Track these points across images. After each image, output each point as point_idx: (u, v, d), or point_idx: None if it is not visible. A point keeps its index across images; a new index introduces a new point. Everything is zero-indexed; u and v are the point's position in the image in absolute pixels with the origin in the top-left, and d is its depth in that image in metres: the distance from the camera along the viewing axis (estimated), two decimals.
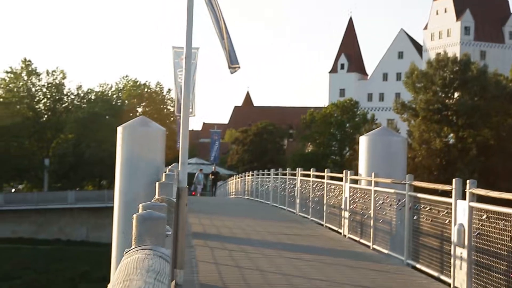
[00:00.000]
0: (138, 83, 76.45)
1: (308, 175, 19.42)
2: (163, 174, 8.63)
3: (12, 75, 72.94)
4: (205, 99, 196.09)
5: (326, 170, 17.59)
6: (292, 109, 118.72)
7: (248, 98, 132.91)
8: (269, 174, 28.36)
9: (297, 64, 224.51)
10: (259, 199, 30.34)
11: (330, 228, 15.94)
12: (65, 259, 48.69)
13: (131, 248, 2.36)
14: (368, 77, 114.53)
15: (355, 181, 14.69)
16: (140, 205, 2.90)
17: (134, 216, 2.49)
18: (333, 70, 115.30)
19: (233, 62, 12.71)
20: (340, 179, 15.63)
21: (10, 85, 72.90)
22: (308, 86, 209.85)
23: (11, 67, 73.43)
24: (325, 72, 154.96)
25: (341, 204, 15.01)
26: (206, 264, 10.09)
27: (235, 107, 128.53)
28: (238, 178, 45.07)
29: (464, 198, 8.54)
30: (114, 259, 12.20)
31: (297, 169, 21.48)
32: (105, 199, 55.89)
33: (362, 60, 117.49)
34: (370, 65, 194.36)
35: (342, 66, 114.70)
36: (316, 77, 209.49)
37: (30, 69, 73.32)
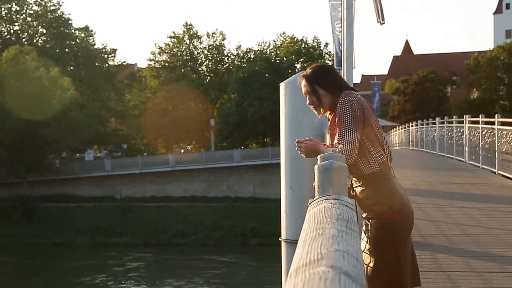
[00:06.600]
0: (295, 39, 76.55)
1: (476, 122, 18.74)
2: None
3: (175, 40, 75.70)
4: (362, 51, 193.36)
5: (496, 115, 16.90)
6: (454, 55, 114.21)
7: (407, 47, 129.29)
8: (433, 123, 27.69)
9: (457, 7, 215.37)
10: (424, 149, 29.74)
11: (504, 176, 15.29)
12: (235, 216, 50.43)
13: (315, 198, 2.35)
14: None
15: None
16: (319, 156, 2.88)
17: (316, 166, 2.48)
18: (498, 10, 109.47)
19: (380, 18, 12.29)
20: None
21: (174, 50, 75.73)
22: (470, 30, 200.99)
23: (174, 32, 76.26)
24: (489, 13, 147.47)
25: None
26: None
27: (394, 56, 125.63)
28: (401, 129, 44.35)
29: None
30: (284, 213, 12.44)
31: (464, 116, 20.77)
32: (269, 156, 56.94)
33: None
34: None
35: (508, 6, 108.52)
36: (478, 19, 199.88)
37: (191, 32, 75.69)
